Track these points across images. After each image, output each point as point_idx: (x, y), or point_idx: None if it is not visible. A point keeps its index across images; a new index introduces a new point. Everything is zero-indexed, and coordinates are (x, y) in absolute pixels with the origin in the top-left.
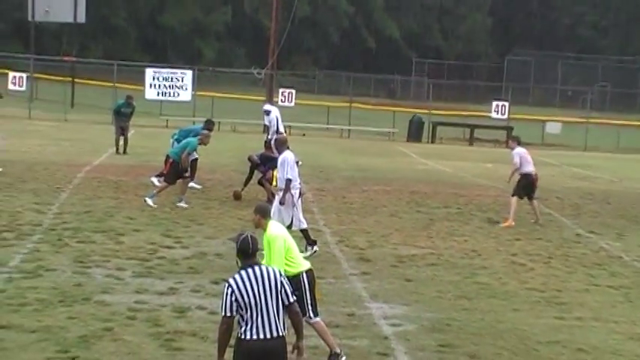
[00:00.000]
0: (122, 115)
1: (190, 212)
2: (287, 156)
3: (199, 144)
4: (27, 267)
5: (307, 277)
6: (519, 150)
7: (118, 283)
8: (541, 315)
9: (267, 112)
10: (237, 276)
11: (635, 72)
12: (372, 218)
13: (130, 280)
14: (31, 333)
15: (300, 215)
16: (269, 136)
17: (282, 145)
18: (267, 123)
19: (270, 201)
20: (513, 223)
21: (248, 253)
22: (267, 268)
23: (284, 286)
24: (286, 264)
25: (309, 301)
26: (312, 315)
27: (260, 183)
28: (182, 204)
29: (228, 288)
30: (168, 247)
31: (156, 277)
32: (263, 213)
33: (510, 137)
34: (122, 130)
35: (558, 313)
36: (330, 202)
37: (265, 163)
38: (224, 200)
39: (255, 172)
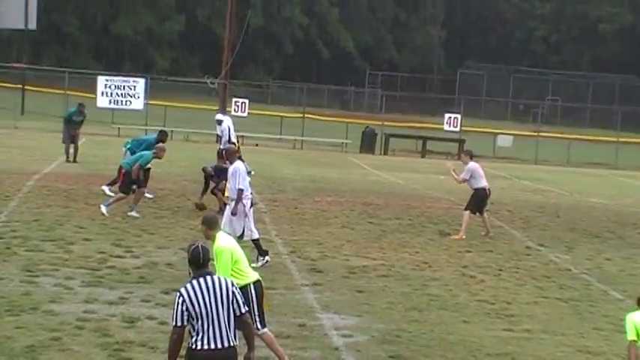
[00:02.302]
0: (73, 123)
1: (142, 222)
2: (238, 166)
3: (154, 157)
4: None
5: (255, 288)
6: (472, 165)
7: (66, 292)
8: (491, 327)
9: (219, 122)
10: (188, 286)
11: (585, 87)
12: (324, 229)
13: (79, 289)
14: None
15: (252, 225)
16: (221, 146)
17: (232, 155)
18: (219, 133)
19: (222, 211)
20: (464, 237)
21: (199, 263)
22: (219, 279)
23: (236, 297)
24: (234, 276)
25: (256, 313)
26: (259, 326)
27: (213, 192)
28: (133, 213)
29: (179, 297)
30: (119, 257)
31: (105, 287)
32: (209, 224)
33: (464, 151)
34: (72, 138)
35: (508, 325)
36: (283, 213)
37: (219, 174)
38: (176, 210)
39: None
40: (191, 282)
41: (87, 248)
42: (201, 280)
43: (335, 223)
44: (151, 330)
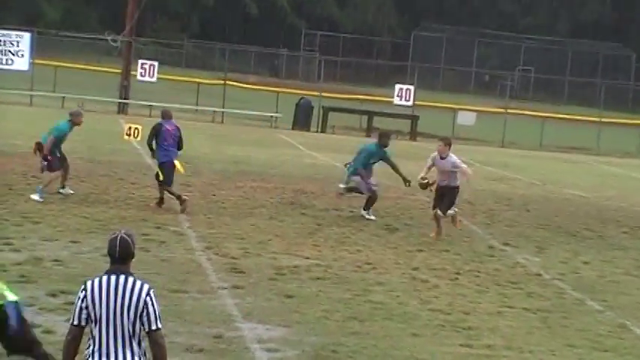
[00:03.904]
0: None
1: (24, 208)
2: None
3: (72, 125)
4: None
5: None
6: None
7: None
8: (445, 342)
9: None
10: (96, 280)
11: (562, 56)
12: (247, 221)
13: None
14: None
15: None
16: None
17: None
18: None
19: None
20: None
21: (114, 256)
22: (133, 282)
23: (147, 308)
24: None
25: None
26: None
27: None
28: (36, 197)
29: (81, 291)
30: None
31: None
32: None
33: (443, 140)
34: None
35: (465, 340)
36: (198, 201)
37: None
38: (66, 194)
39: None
40: (100, 278)
41: None
42: (113, 277)
43: (261, 214)
44: None
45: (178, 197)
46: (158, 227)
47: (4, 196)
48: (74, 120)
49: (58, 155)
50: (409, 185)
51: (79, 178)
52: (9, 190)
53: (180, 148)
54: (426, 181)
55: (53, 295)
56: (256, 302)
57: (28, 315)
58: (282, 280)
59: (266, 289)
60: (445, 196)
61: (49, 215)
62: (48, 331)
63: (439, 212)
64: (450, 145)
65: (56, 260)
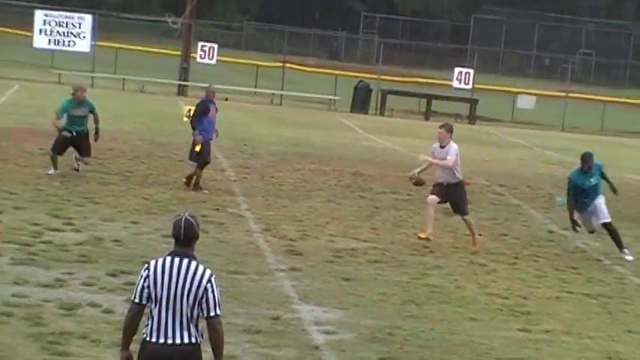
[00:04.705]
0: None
1: (85, 188)
2: None
3: (74, 100)
4: None
5: None
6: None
7: None
8: (502, 326)
9: None
10: (159, 260)
11: (625, 39)
12: (305, 203)
13: (8, 268)
14: None
15: None
16: None
17: None
18: None
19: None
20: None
21: (178, 238)
22: (196, 266)
23: (207, 295)
24: None
25: None
26: None
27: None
28: (51, 171)
29: (144, 270)
30: (56, 230)
31: (39, 266)
32: None
33: (444, 126)
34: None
35: (523, 324)
36: (256, 183)
37: None
38: (127, 175)
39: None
40: (164, 258)
41: (17, 218)
42: (176, 259)
43: (318, 197)
44: (93, 319)
45: (196, 183)
46: (216, 209)
47: (65, 177)
48: (74, 94)
49: (72, 133)
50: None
51: (139, 159)
52: (71, 171)
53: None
54: (417, 171)
55: (113, 275)
56: (314, 284)
57: (88, 296)
58: (340, 263)
59: (323, 271)
60: (452, 197)
61: (110, 196)
62: (108, 311)
63: (463, 217)
64: (451, 131)
65: (116, 240)
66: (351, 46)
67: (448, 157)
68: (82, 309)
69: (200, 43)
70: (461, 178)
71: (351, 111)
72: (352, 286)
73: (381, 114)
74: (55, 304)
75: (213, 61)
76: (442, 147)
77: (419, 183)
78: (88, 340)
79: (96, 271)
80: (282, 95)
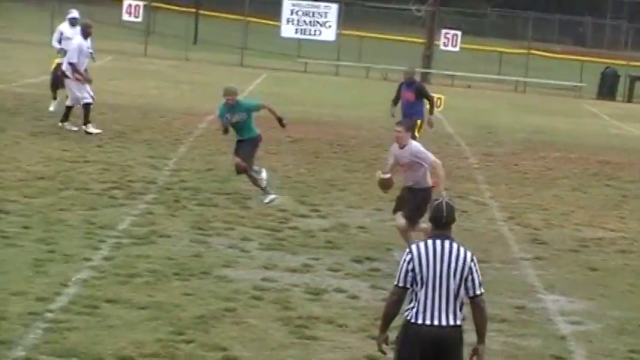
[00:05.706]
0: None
1: (330, 175)
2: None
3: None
4: (138, 232)
5: None
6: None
7: (242, 255)
8: None
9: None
10: (421, 244)
11: None
12: (549, 192)
13: (257, 253)
14: (141, 310)
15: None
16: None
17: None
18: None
19: None
20: None
21: (440, 221)
22: (458, 248)
23: (472, 274)
24: None
25: None
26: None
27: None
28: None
29: (407, 254)
30: (303, 216)
31: (287, 251)
32: None
33: (399, 122)
34: None
35: None
36: (500, 170)
37: None
38: (372, 162)
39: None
40: (426, 241)
41: (265, 205)
42: (438, 242)
43: (563, 185)
44: (340, 305)
45: None
46: (460, 197)
47: (311, 164)
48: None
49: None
50: None
51: (383, 147)
52: (315, 158)
53: None
54: (387, 176)
55: (358, 262)
56: (559, 274)
57: (334, 281)
58: (586, 253)
59: (569, 261)
60: (410, 200)
61: (354, 183)
62: (353, 297)
63: (400, 220)
64: (410, 129)
65: (361, 227)
66: (598, 32)
67: (430, 157)
68: (328, 294)
69: (443, 31)
70: (430, 184)
71: (598, 98)
72: (599, 277)
73: (629, 101)
74: (303, 289)
75: (457, 49)
76: (401, 148)
77: (386, 184)
78: (334, 325)
79: (341, 257)
80: (526, 82)
